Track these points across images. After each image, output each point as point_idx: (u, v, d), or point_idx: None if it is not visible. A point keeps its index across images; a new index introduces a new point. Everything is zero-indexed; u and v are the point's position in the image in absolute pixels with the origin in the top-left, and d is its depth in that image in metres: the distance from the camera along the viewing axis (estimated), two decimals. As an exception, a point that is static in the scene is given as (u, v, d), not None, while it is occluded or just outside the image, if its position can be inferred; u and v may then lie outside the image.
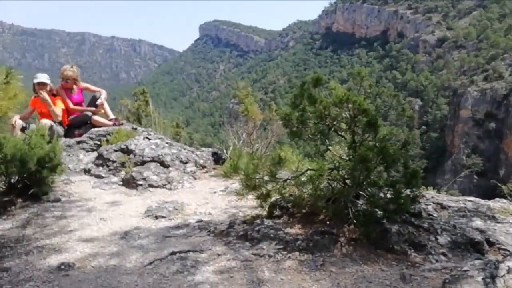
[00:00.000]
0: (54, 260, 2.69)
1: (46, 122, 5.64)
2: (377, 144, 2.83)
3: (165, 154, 5.07)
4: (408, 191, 2.83)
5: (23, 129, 5.51)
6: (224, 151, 5.96)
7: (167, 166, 4.92)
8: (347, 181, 2.93)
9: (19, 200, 3.87)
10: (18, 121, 5.62)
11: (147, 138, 5.37)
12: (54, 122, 5.86)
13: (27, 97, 5.29)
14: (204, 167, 5.37)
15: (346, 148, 3.17)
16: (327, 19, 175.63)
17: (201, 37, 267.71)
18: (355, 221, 2.74)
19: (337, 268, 2.43)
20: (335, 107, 2.82)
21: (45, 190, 3.97)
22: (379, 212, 2.78)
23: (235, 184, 4.40)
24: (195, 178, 4.99)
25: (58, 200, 3.94)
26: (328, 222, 2.91)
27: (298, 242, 2.70)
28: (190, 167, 5.16)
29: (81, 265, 2.60)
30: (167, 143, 5.46)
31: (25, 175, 3.93)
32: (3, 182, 3.99)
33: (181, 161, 5.14)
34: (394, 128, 3.11)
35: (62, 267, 2.55)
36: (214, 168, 5.43)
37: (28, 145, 3.84)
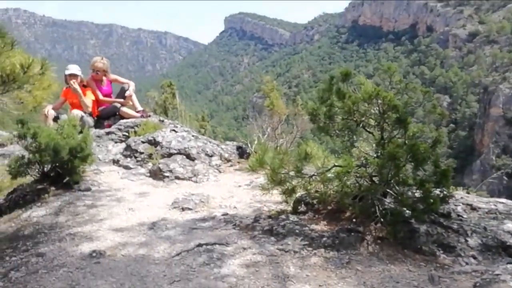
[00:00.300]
0: (86, 247, 2.78)
1: (77, 112, 5.80)
2: (406, 142, 2.78)
3: (191, 147, 5.13)
4: (437, 191, 2.77)
5: (55, 119, 5.69)
6: (249, 145, 5.98)
7: (193, 159, 4.99)
8: (375, 179, 2.89)
9: (52, 188, 4.02)
10: (50, 111, 5.81)
11: (173, 130, 5.45)
12: (85, 112, 6.03)
13: (58, 88, 5.46)
14: (228, 160, 5.41)
15: (373, 144, 3.13)
16: (353, 12, 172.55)
17: (226, 29, 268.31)
18: (382, 219, 2.70)
19: (363, 267, 2.41)
20: (364, 102, 2.78)
21: (76, 179, 4.11)
22: (407, 211, 2.73)
23: (259, 178, 4.42)
24: (220, 172, 5.04)
25: (88, 190, 4.06)
26: (354, 220, 2.88)
27: (324, 239, 2.69)
28: (215, 160, 5.22)
29: (112, 254, 2.68)
30: (193, 136, 5.52)
31: (57, 164, 4.07)
32: (37, 170, 4.15)
33: (206, 154, 5.20)
34: (424, 126, 3.04)
35: (94, 254, 2.64)
36: (238, 162, 5.47)
37: (60, 135, 3.97)
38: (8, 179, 4.30)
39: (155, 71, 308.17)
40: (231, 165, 5.33)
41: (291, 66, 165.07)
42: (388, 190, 2.82)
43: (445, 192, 2.80)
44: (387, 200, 2.83)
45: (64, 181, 4.05)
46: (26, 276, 2.43)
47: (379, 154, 2.92)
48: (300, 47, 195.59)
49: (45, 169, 4.11)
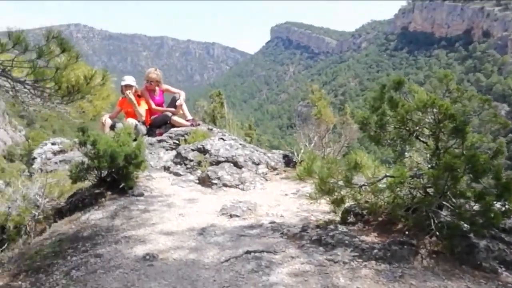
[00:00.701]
0: (140, 250, 2.90)
1: (132, 121, 6.10)
2: (464, 152, 2.64)
3: (238, 155, 5.21)
4: (498, 205, 2.61)
5: (111, 127, 6.01)
6: (295, 153, 5.96)
7: (240, 167, 5.06)
8: (429, 190, 2.78)
9: (108, 192, 4.24)
10: (107, 120, 6.15)
11: (222, 138, 5.57)
12: (138, 121, 6.32)
13: (115, 98, 5.78)
14: (275, 169, 5.42)
15: (427, 154, 3.01)
16: (403, 18, 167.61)
17: (272, 39, 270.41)
18: (437, 233, 2.59)
19: (418, 281, 2.30)
20: (417, 111, 2.69)
21: (130, 185, 4.30)
22: (465, 225, 2.59)
23: (306, 187, 4.39)
24: (266, 180, 5.07)
25: (141, 195, 4.24)
26: (407, 232, 2.78)
27: (375, 250, 2.62)
28: (261, 168, 5.25)
29: (164, 257, 2.77)
30: (240, 144, 5.61)
31: (113, 170, 4.29)
32: (94, 176, 4.39)
33: (253, 162, 5.25)
34: (483, 136, 2.88)
35: (147, 257, 2.75)
36: (284, 171, 5.46)
37: (117, 143, 4.19)
38: (69, 183, 4.60)
39: (202, 80, 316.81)
40: (277, 174, 5.34)
41: (337, 75, 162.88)
42: (444, 203, 2.70)
43: (507, 206, 2.63)
44: (443, 212, 2.70)
45: (120, 186, 4.25)
46: (85, 275, 2.58)
47: (433, 164, 2.81)
48: (346, 55, 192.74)
49: (102, 174, 4.35)
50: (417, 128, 2.86)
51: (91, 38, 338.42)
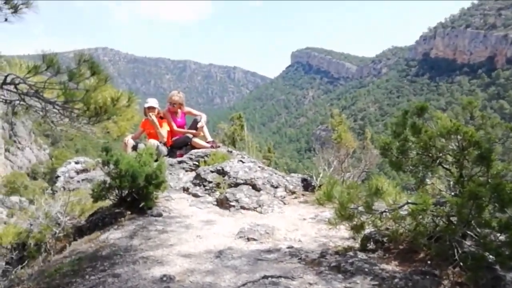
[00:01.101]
0: (157, 271, 2.90)
1: (154, 142, 6.21)
2: (490, 180, 2.58)
3: (257, 177, 5.21)
4: (527, 236, 2.51)
5: (134, 148, 6.13)
6: (314, 178, 5.91)
7: (258, 190, 5.05)
8: (452, 219, 2.70)
9: (128, 212, 4.29)
10: (130, 140, 6.28)
11: (241, 161, 5.59)
12: (160, 142, 6.44)
13: (139, 119, 5.93)
14: (293, 192, 5.38)
15: (451, 182, 2.94)
16: (425, 44, 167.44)
17: (292, 64, 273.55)
18: (461, 263, 2.50)
19: (441, 314, 2.22)
20: (441, 138, 2.65)
21: (150, 205, 4.35)
22: (490, 256, 2.50)
23: (325, 212, 4.33)
24: (284, 203, 5.03)
25: (160, 215, 4.27)
26: (429, 262, 2.70)
27: (396, 280, 2.54)
28: (280, 191, 5.22)
29: (181, 279, 2.76)
30: (259, 167, 5.61)
31: (134, 190, 4.36)
32: (115, 195, 4.46)
33: (271, 185, 5.23)
34: (509, 164, 2.81)
35: (164, 279, 2.74)
36: (303, 195, 5.41)
37: (138, 163, 4.27)
38: (90, 202, 4.68)
39: (223, 103, 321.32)
40: (296, 197, 5.29)
41: (357, 100, 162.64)
42: (468, 232, 2.62)
43: (536, 238, 2.53)
44: (467, 242, 2.62)
45: (139, 206, 4.30)
46: (103, 295, 2.58)
47: (457, 192, 2.74)
48: (366, 80, 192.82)
49: (123, 194, 4.42)
50: (441, 154, 2.81)
51: (117, 61, 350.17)
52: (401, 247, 2.98)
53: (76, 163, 6.81)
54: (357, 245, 3.19)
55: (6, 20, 3.32)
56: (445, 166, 2.85)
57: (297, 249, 3.33)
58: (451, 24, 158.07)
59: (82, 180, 6.14)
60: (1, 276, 4.67)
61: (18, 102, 3.22)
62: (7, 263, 4.77)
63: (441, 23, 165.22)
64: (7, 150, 69.64)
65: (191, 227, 3.97)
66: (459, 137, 2.60)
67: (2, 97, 3.24)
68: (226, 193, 4.84)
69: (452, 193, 2.85)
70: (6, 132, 70.92)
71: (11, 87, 3.06)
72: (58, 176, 6.48)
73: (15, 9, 3.22)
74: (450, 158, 2.82)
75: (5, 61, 3.44)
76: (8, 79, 2.99)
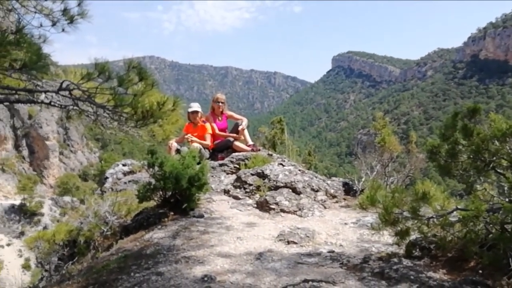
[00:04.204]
0: (198, 271, 2.95)
1: (197, 145, 6.36)
2: (549, 187, 2.41)
3: (297, 181, 5.18)
4: None
5: (177, 151, 6.31)
6: (355, 182, 5.79)
7: (298, 193, 5.02)
8: (507, 226, 2.54)
9: (171, 213, 4.41)
10: (174, 144, 6.48)
11: (281, 164, 5.59)
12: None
13: (183, 123, 6.10)
14: (334, 196, 5.30)
15: (506, 187, 2.77)
16: (473, 46, 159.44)
17: (333, 68, 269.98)
18: (517, 274, 2.34)
19: (495, 327, 2.09)
20: (495, 140, 2.51)
21: (192, 206, 4.45)
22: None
23: (367, 217, 4.23)
24: (325, 207, 4.96)
25: (201, 216, 4.35)
26: (481, 271, 2.55)
27: (444, 289, 2.43)
28: (320, 195, 5.16)
29: (221, 280, 2.79)
30: (299, 170, 5.58)
31: (177, 191, 4.48)
32: (159, 196, 4.61)
33: (312, 189, 5.18)
34: None
35: (206, 278, 2.78)
36: (344, 199, 5.32)
37: (182, 165, 4.38)
38: (136, 202, 4.86)
39: (263, 108, 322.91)
40: (337, 202, 5.21)
41: (400, 103, 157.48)
42: (525, 241, 2.45)
43: None
44: (524, 252, 2.45)
45: (182, 207, 4.40)
46: (147, 292, 2.67)
47: (512, 198, 2.58)
48: (410, 83, 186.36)
49: (167, 195, 4.55)
50: (494, 158, 2.66)
51: (163, 68, 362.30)
52: (449, 255, 2.84)
53: (124, 165, 7.10)
54: (401, 252, 3.08)
55: (63, 30, 3.55)
56: (498, 170, 2.69)
57: (338, 253, 3.27)
58: (502, 23, 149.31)
59: (129, 181, 6.39)
60: (54, 270, 4.96)
61: (72, 107, 3.43)
62: (59, 258, 5.06)
63: (492, 23, 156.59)
64: (61, 153, 74.13)
65: (231, 229, 4.02)
66: (515, 140, 2.45)
67: (58, 102, 3.46)
68: (266, 195, 4.85)
69: (507, 199, 2.68)
70: (61, 136, 75.50)
71: (66, 93, 3.27)
72: (107, 178, 6.79)
73: (71, 20, 3.44)
74: (504, 163, 2.66)
75: (61, 70, 3.68)
76: (64, 85, 3.20)
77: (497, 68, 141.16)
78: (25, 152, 69.98)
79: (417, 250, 3.01)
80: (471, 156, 2.64)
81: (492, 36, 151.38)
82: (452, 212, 2.66)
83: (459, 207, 2.65)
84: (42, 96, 3.37)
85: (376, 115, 9.14)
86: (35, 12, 3.57)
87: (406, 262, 2.86)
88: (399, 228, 2.98)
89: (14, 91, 3.28)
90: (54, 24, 3.52)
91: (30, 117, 70.68)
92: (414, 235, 3.04)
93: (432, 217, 2.80)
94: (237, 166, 6.03)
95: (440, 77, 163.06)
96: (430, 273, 2.67)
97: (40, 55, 2.82)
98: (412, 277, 2.62)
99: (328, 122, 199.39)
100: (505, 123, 2.46)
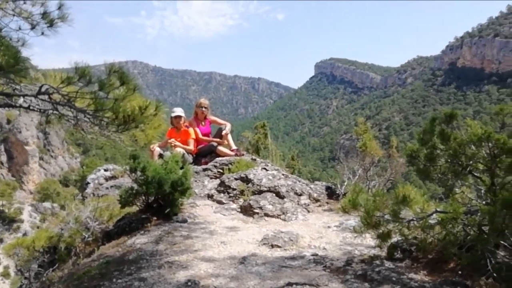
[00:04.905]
0: (182, 275, 2.93)
1: (179, 150, 6.32)
2: (523, 189, 2.48)
3: (281, 185, 5.20)
4: None
5: (160, 156, 6.26)
6: (338, 186, 5.85)
7: (282, 197, 5.03)
8: (484, 228, 2.61)
9: (154, 218, 4.36)
10: (156, 148, 6.42)
11: (264, 169, 5.60)
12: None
13: (166, 128, 6.06)
14: (317, 200, 5.34)
15: (482, 190, 2.85)
16: (451, 54, 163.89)
17: (316, 74, 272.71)
18: (494, 274, 2.40)
19: (473, 326, 2.14)
20: (471, 145, 2.58)
21: (175, 211, 4.41)
22: (525, 267, 2.39)
23: (349, 220, 4.28)
24: (308, 211, 4.99)
25: (185, 221, 4.32)
26: (460, 272, 2.61)
27: (425, 290, 2.47)
28: (304, 199, 5.19)
29: (205, 284, 2.77)
30: (283, 174, 5.61)
31: (160, 196, 4.44)
32: (142, 201, 4.55)
33: (295, 193, 5.21)
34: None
35: (189, 283, 2.77)
36: (327, 203, 5.36)
37: (165, 170, 4.35)
38: (118, 208, 4.79)
39: (247, 114, 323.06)
40: (320, 205, 5.25)
41: (381, 109, 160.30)
42: (501, 242, 2.52)
43: None
44: (501, 252, 2.52)
45: (165, 212, 4.36)
46: (130, 298, 2.63)
47: (489, 201, 2.65)
48: (391, 90, 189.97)
49: (149, 200, 4.50)
50: (471, 162, 2.74)
51: (146, 73, 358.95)
52: (429, 256, 2.89)
53: (105, 170, 7.00)
54: (383, 254, 3.13)
55: (42, 33, 3.50)
56: (475, 174, 2.77)
57: (322, 256, 3.30)
58: (478, 33, 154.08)
59: (111, 186, 6.30)
60: (34, 278, 4.84)
61: (51, 111, 3.37)
62: (39, 265, 4.93)
63: (468, 32, 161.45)
64: (41, 158, 72.39)
65: (215, 233, 4.00)
66: (490, 144, 2.52)
67: (37, 106, 3.39)
68: (250, 200, 4.85)
69: (484, 202, 2.76)
70: (41, 141, 73.78)
71: (45, 97, 3.20)
72: (88, 183, 6.68)
73: (51, 23, 3.38)
74: (481, 166, 2.74)
75: (41, 74, 3.62)
76: (43, 89, 3.14)
77: (474, 76, 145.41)
78: (3, 158, 68.09)
79: (399, 252, 3.06)
80: (449, 160, 2.71)
81: (468, 45, 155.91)
82: (431, 214, 2.72)
83: (438, 209, 2.71)
84: (21, 100, 3.30)
85: (358, 120, 9.30)
86: (14, 15, 3.51)
87: (388, 264, 2.90)
88: (380, 231, 3.02)
89: (-9, 95, 3.20)
90: (33, 27, 3.47)
91: (8, 121, 68.92)
92: (395, 238, 3.09)
93: (412, 220, 2.85)
94: (221, 171, 6.02)
95: (419, 84, 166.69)
96: (412, 275, 2.71)
97: (18, 58, 2.76)
98: (394, 278, 2.66)
99: (311, 128, 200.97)
100: (480, 128, 2.53)
